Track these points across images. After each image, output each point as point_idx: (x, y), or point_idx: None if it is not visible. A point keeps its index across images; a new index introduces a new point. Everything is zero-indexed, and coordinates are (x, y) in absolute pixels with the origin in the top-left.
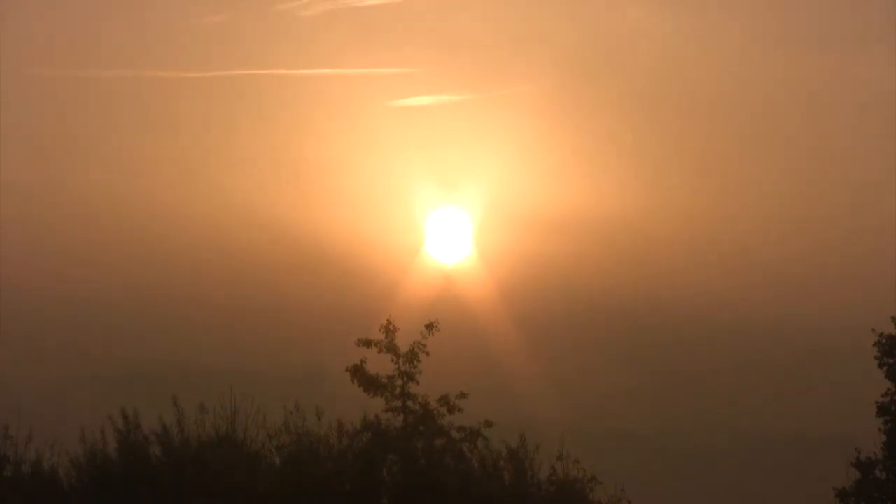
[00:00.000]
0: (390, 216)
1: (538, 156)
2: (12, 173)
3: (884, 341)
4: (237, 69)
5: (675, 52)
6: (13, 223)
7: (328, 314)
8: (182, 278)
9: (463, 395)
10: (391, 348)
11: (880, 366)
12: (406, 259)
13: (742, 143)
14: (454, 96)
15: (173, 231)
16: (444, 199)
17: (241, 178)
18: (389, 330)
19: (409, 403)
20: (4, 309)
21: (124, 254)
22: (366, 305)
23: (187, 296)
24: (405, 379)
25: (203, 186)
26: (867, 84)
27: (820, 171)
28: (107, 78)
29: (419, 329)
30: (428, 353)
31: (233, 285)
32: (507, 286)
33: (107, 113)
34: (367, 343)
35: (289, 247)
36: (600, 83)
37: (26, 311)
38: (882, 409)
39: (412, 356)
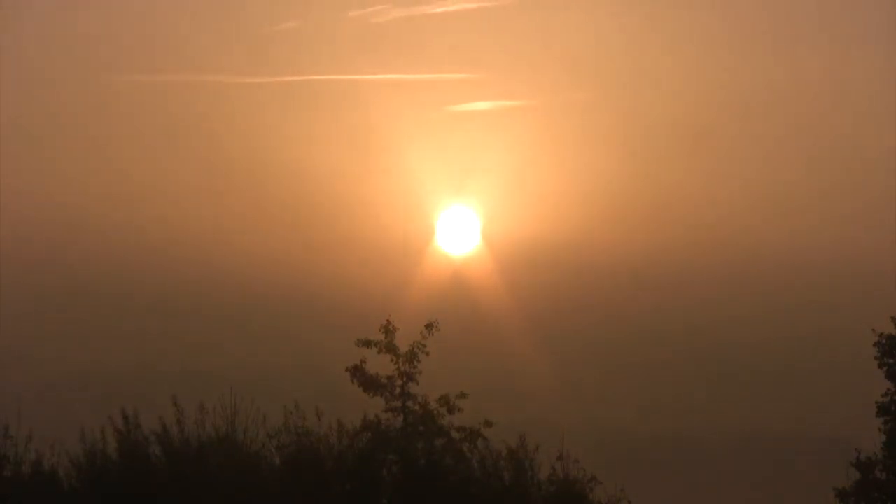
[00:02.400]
0: (406, 211)
1: (574, 158)
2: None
3: (884, 341)
4: (307, 75)
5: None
6: (15, 223)
7: (341, 306)
8: (188, 277)
9: (463, 395)
10: (391, 348)
11: (880, 366)
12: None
13: (748, 148)
14: (512, 101)
15: (178, 230)
16: (456, 199)
17: (284, 181)
18: (389, 330)
19: (409, 403)
20: (5, 310)
21: (126, 255)
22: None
23: (194, 295)
24: (405, 379)
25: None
26: (867, 83)
27: (821, 172)
28: (177, 82)
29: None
30: (428, 353)
31: (245, 280)
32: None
33: (179, 116)
34: (367, 343)
35: (311, 245)
36: (642, 93)
37: (27, 312)
38: (882, 409)
39: (412, 356)
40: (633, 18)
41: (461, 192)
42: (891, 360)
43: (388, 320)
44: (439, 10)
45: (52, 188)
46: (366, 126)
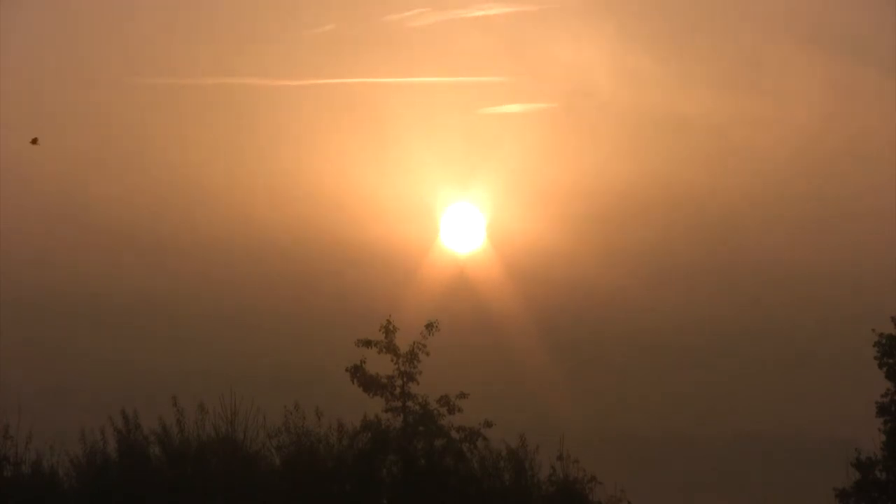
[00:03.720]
0: (416, 210)
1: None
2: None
3: (884, 341)
4: (340, 77)
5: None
6: (17, 226)
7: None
8: (190, 274)
9: (463, 395)
10: (391, 348)
11: (880, 366)
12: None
13: (747, 151)
14: (545, 104)
15: (184, 229)
16: (462, 196)
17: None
18: (389, 330)
19: (409, 403)
20: (5, 310)
21: (126, 256)
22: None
23: (196, 293)
24: (405, 379)
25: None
26: (864, 88)
27: (820, 173)
28: (212, 85)
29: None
30: (428, 353)
31: (249, 278)
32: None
33: (212, 119)
34: (367, 343)
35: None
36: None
37: (27, 313)
38: (882, 409)
39: (412, 356)
40: (666, 25)
41: (468, 189)
42: (891, 360)
43: (388, 320)
44: (478, 13)
45: (60, 186)
46: (395, 128)
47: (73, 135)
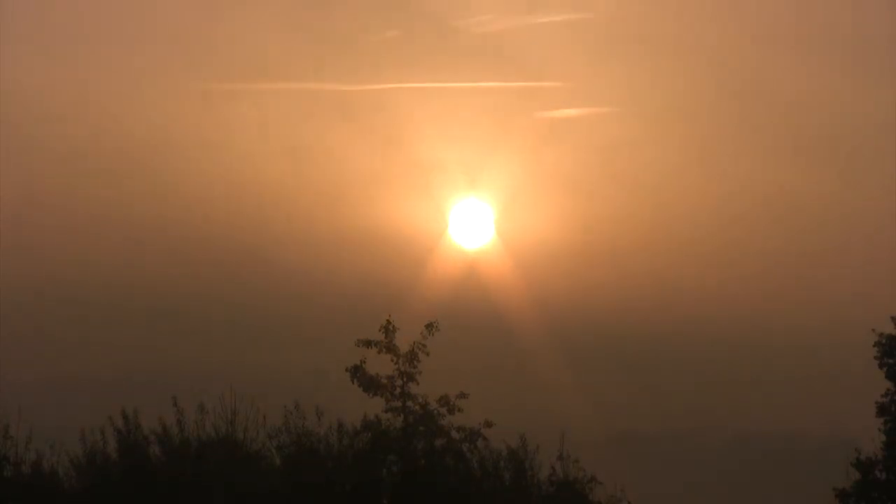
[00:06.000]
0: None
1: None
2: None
3: (884, 341)
4: (404, 82)
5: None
6: (17, 225)
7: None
8: (198, 272)
9: (463, 395)
10: (391, 348)
11: (880, 366)
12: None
13: (749, 149)
14: (599, 109)
15: (194, 229)
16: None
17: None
18: (389, 330)
19: (409, 403)
20: (5, 309)
21: (130, 253)
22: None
23: (199, 291)
24: (405, 379)
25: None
26: (866, 96)
27: (823, 174)
28: (278, 90)
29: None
30: (428, 353)
31: (256, 277)
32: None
33: (277, 123)
34: (367, 343)
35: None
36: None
37: (27, 312)
38: (882, 409)
39: (412, 356)
40: (720, 32)
41: (479, 187)
42: (891, 360)
43: (387, 320)
44: (544, 20)
45: (77, 188)
46: (451, 130)
47: (138, 138)
